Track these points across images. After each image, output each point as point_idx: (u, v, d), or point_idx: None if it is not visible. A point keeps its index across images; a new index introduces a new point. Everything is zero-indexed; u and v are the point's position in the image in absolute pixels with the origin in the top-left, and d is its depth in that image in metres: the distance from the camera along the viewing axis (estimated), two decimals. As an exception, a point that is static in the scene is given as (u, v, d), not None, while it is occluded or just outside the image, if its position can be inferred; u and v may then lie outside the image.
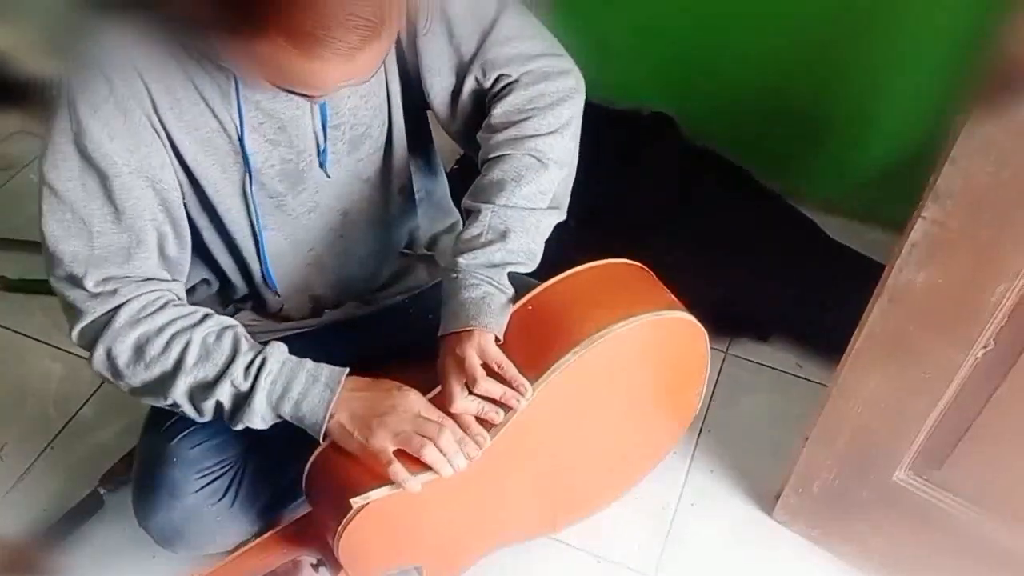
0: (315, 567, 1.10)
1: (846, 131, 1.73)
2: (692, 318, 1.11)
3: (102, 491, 1.38)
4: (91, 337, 0.96)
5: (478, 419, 0.98)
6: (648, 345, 1.10)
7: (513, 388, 0.98)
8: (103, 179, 0.92)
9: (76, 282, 0.94)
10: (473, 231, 1.01)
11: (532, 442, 1.06)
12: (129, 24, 0.89)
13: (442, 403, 0.99)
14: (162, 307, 0.97)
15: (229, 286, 1.15)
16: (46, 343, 1.62)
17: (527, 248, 1.02)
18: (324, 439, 0.98)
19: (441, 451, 0.95)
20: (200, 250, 1.07)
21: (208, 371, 0.96)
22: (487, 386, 0.97)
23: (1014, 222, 0.86)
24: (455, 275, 1.00)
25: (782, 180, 1.82)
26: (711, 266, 1.64)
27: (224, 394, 0.96)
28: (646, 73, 1.87)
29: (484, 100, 1.07)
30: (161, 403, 0.99)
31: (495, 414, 0.98)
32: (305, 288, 1.17)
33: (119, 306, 0.95)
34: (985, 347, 0.96)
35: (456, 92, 1.06)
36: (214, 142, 0.97)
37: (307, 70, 0.79)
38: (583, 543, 1.35)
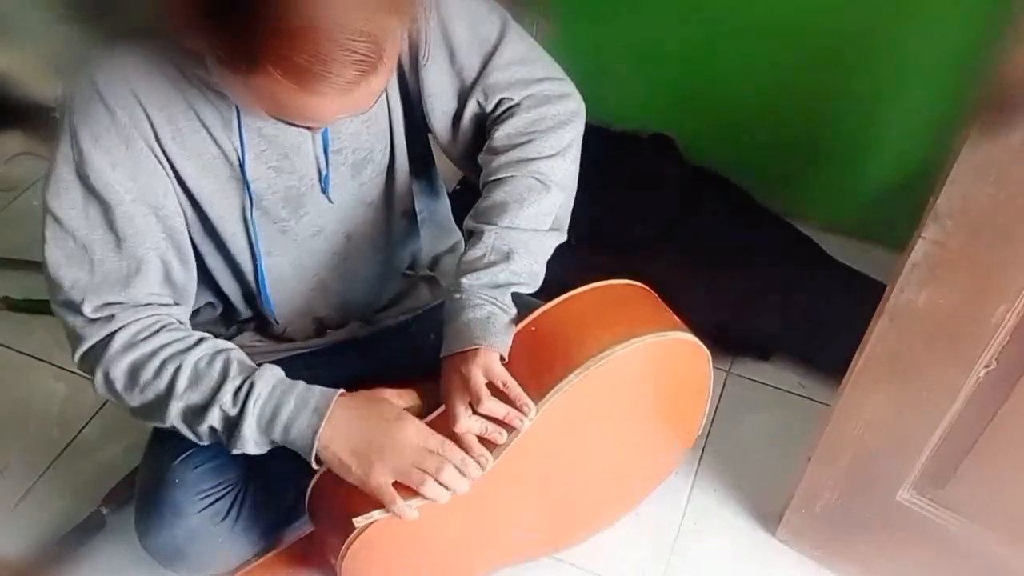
0: (318, 588, 1.10)
1: (846, 151, 1.74)
2: (694, 338, 1.11)
3: (104, 511, 1.38)
4: (91, 362, 0.97)
5: (481, 439, 0.98)
6: (651, 365, 1.10)
7: (517, 408, 0.98)
8: (105, 208, 0.92)
9: (75, 308, 0.94)
10: (476, 252, 1.01)
11: (534, 462, 1.06)
12: (129, 53, 0.90)
13: (445, 423, 0.99)
14: (157, 331, 0.97)
15: (232, 308, 1.15)
16: (49, 363, 1.62)
17: (530, 269, 1.02)
18: (317, 463, 0.97)
19: (442, 485, 0.95)
20: (204, 274, 1.07)
21: (199, 396, 0.95)
22: (491, 406, 0.97)
23: (1014, 242, 0.86)
24: (458, 295, 1.01)
25: (783, 200, 1.82)
26: (713, 286, 1.64)
27: (215, 419, 0.95)
28: (646, 95, 1.88)
29: (485, 123, 1.08)
30: (163, 426, 0.99)
31: (498, 434, 0.98)
32: (308, 310, 1.17)
33: (116, 331, 0.95)
34: (987, 367, 0.96)
35: (457, 116, 1.07)
36: (216, 168, 0.98)
37: (305, 104, 0.79)
38: (586, 563, 1.35)
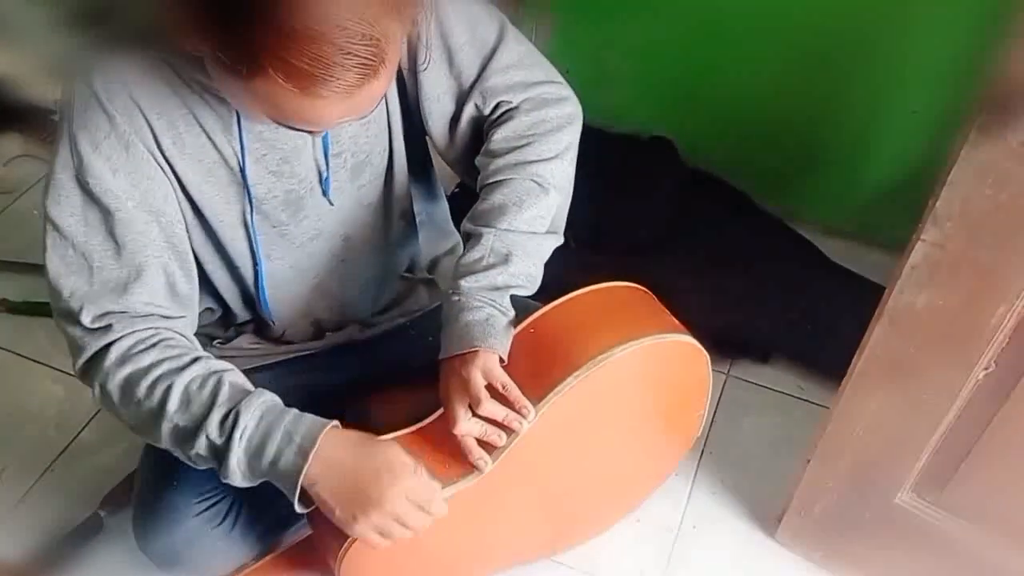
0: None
1: (845, 153, 1.74)
2: (693, 340, 1.11)
3: (102, 514, 1.37)
4: (90, 374, 0.96)
5: (480, 442, 0.98)
6: (650, 367, 1.10)
7: (516, 410, 0.97)
8: (105, 214, 0.92)
9: (74, 317, 0.93)
10: (475, 254, 1.01)
11: (533, 465, 1.05)
12: (128, 59, 0.90)
13: (443, 425, 0.99)
14: (153, 345, 0.95)
15: (230, 312, 1.15)
16: (47, 365, 1.62)
17: (528, 272, 1.02)
18: (301, 503, 0.94)
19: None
20: (203, 279, 1.07)
21: (187, 420, 0.93)
22: (491, 408, 0.97)
23: (1013, 244, 0.86)
24: (457, 297, 1.01)
25: (782, 202, 1.82)
26: (712, 288, 1.64)
27: (202, 447, 0.92)
28: (645, 97, 1.88)
29: (482, 127, 1.08)
30: (159, 446, 0.96)
31: (498, 437, 0.98)
32: (307, 313, 1.17)
33: (112, 343, 0.94)
34: (986, 369, 0.96)
35: (455, 119, 1.07)
36: (216, 173, 0.98)
37: (306, 107, 0.79)
38: (584, 566, 1.34)
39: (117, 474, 1.42)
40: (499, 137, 1.04)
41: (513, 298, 1.02)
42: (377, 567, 1.05)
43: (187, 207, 0.99)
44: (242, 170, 0.98)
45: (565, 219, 1.09)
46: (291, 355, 1.20)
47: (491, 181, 1.04)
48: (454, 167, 1.14)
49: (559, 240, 1.07)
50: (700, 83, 1.81)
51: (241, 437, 0.91)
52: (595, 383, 1.01)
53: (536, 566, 1.32)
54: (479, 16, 1.04)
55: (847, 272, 1.72)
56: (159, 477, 1.12)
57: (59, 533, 1.37)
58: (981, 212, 0.85)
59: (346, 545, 0.97)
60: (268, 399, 0.94)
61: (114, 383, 0.94)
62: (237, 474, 0.93)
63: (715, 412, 1.54)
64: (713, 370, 1.19)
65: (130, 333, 0.94)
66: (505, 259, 1.01)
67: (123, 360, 0.94)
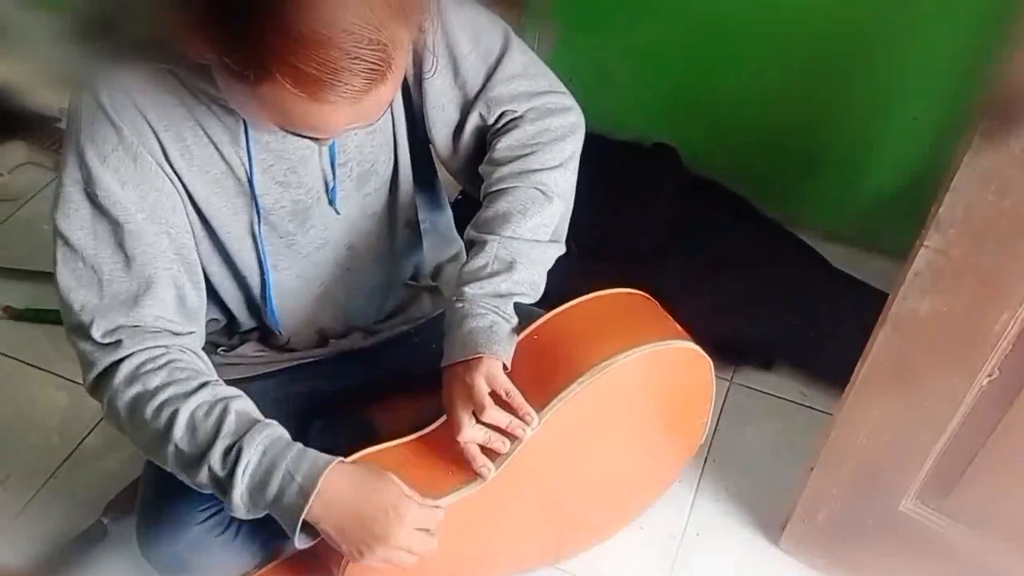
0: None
1: (847, 159, 1.74)
2: (697, 347, 1.11)
3: (105, 520, 1.37)
4: (100, 389, 0.95)
5: (483, 449, 0.98)
6: (653, 374, 1.10)
7: (520, 417, 0.97)
8: (115, 227, 0.92)
9: (85, 332, 0.93)
10: (479, 262, 1.01)
11: (536, 471, 1.05)
12: (133, 71, 0.90)
13: (447, 432, 0.99)
14: (162, 366, 0.94)
15: (235, 321, 1.15)
16: (51, 372, 1.62)
17: (531, 280, 1.02)
18: (302, 535, 0.93)
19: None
20: (210, 290, 1.06)
21: (192, 449, 0.92)
22: (494, 415, 0.96)
23: (1017, 250, 0.86)
24: (460, 304, 1.01)
25: (783, 208, 1.82)
26: (715, 295, 1.64)
27: (205, 477, 0.92)
28: (647, 104, 1.88)
29: (486, 136, 1.08)
30: (166, 468, 0.96)
31: (501, 444, 0.98)
32: (312, 321, 1.17)
33: (122, 359, 0.93)
34: (990, 375, 0.96)
35: (459, 128, 1.07)
36: (223, 184, 0.98)
37: (313, 113, 0.79)
38: (588, 573, 1.34)
39: (121, 481, 1.42)
40: (503, 146, 1.04)
41: (516, 305, 1.03)
42: (380, 574, 1.04)
43: (195, 218, 0.99)
44: (250, 181, 0.98)
45: (567, 228, 1.09)
46: (295, 362, 1.20)
47: (495, 189, 1.04)
48: (456, 176, 1.14)
49: (561, 249, 1.07)
50: (701, 90, 1.81)
51: (244, 473, 0.90)
52: (598, 390, 1.01)
53: (540, 573, 1.32)
54: (484, 26, 1.04)
55: (849, 278, 1.71)
56: (163, 484, 1.12)
57: (62, 540, 1.37)
58: (984, 218, 0.86)
59: (349, 552, 0.97)
60: (272, 432, 0.93)
61: (122, 402, 0.94)
62: (241, 509, 0.92)
63: (718, 419, 1.54)
64: (716, 377, 1.19)
65: (140, 351, 0.93)
66: (509, 267, 1.01)
67: (131, 379, 0.93)
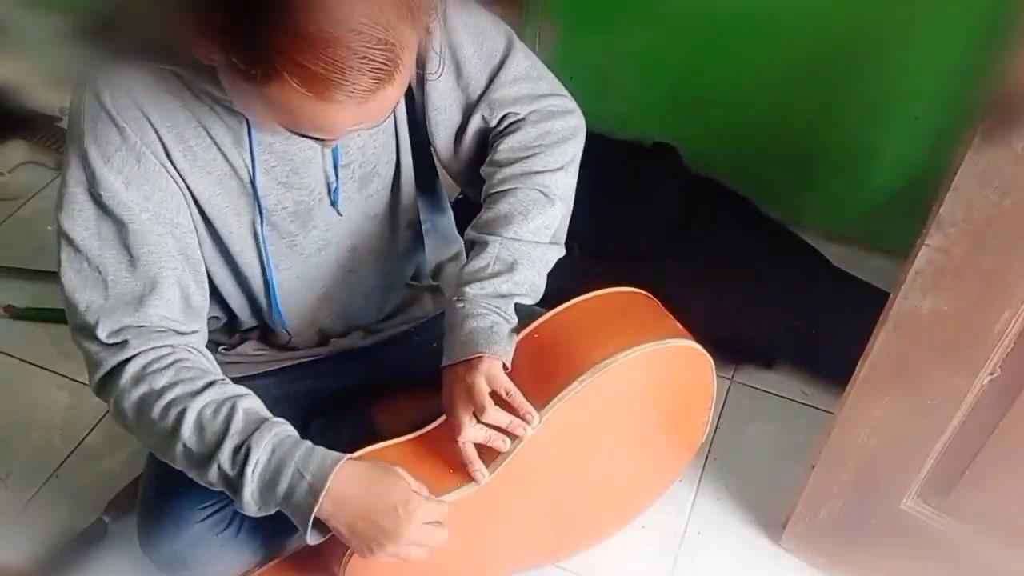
0: (320, 596, 1.10)
1: (848, 159, 1.74)
2: (698, 346, 1.11)
3: (107, 519, 1.38)
4: (106, 389, 0.95)
5: (484, 448, 0.98)
6: (654, 373, 1.10)
7: (520, 416, 0.98)
8: (119, 227, 0.92)
9: (90, 332, 0.93)
10: (480, 262, 1.02)
11: (537, 470, 1.05)
12: (135, 71, 0.90)
13: (447, 431, 1.00)
14: (169, 365, 0.94)
15: (236, 320, 1.15)
16: (52, 371, 1.62)
17: (532, 281, 1.03)
18: (313, 532, 0.93)
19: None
20: (212, 289, 1.07)
21: (201, 448, 0.92)
22: (495, 415, 0.97)
23: (1018, 249, 0.86)
24: (461, 304, 1.01)
25: (784, 208, 1.83)
26: (716, 294, 1.64)
27: (214, 476, 0.92)
28: (648, 104, 1.88)
29: (487, 138, 1.08)
30: (175, 467, 0.96)
31: (502, 443, 0.98)
32: (313, 321, 1.17)
33: (128, 359, 0.93)
34: (991, 374, 0.96)
35: (461, 130, 1.07)
36: (226, 184, 0.98)
37: (320, 113, 0.79)
38: (589, 572, 1.34)
39: (121, 479, 1.42)
40: (505, 147, 1.05)
41: (516, 306, 1.03)
42: (380, 572, 1.05)
43: (198, 218, 0.99)
44: (252, 182, 0.98)
45: (566, 231, 1.09)
46: (295, 361, 1.20)
47: (497, 190, 1.04)
48: (456, 178, 1.14)
49: (561, 251, 1.07)
50: (702, 90, 1.81)
51: (253, 472, 0.90)
52: (599, 388, 1.01)
53: (540, 572, 1.32)
54: (487, 29, 1.04)
55: (850, 277, 1.72)
56: (164, 483, 1.12)
57: (63, 539, 1.37)
58: (985, 217, 0.86)
59: (350, 551, 0.97)
60: (280, 431, 0.93)
61: (129, 402, 0.94)
62: (252, 507, 0.92)
63: (719, 418, 1.54)
64: (717, 375, 1.19)
65: (146, 350, 0.93)
66: (511, 267, 1.01)
67: (138, 379, 0.93)
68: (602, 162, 1.23)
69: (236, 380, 1.01)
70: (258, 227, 1.02)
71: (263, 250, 1.04)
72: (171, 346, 0.95)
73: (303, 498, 0.91)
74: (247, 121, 0.94)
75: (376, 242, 1.13)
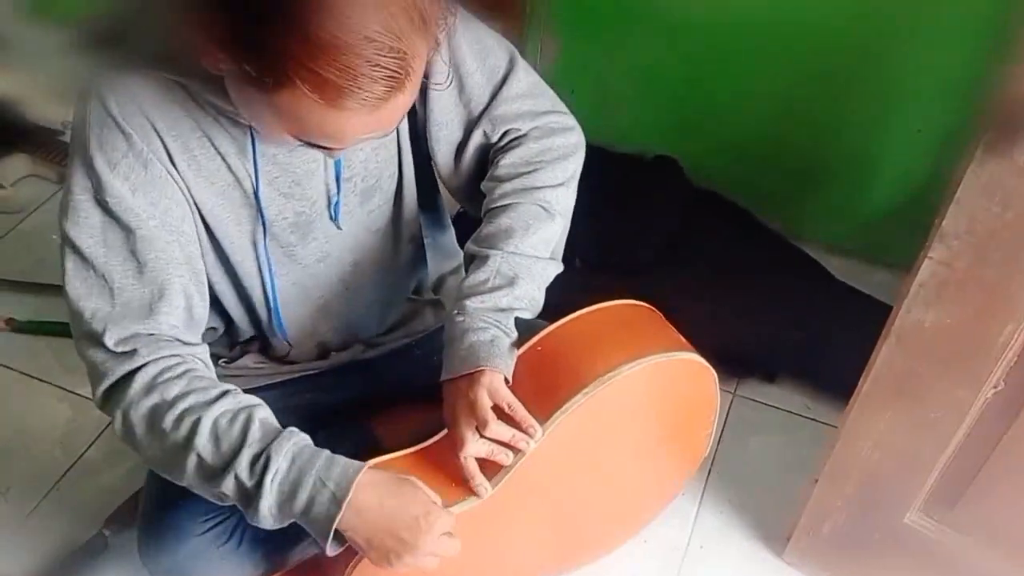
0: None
1: (849, 171, 1.75)
2: (701, 359, 1.11)
3: (107, 533, 1.37)
4: (112, 402, 0.94)
5: (486, 461, 0.98)
6: (657, 386, 1.10)
7: (523, 430, 0.97)
8: (127, 233, 0.91)
9: (97, 340, 0.91)
10: (480, 276, 1.01)
11: (540, 484, 1.05)
12: (140, 80, 0.90)
13: (449, 445, 0.99)
14: (180, 375, 0.93)
15: (235, 331, 1.15)
16: (53, 384, 1.62)
17: (532, 295, 1.03)
18: (329, 546, 0.92)
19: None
20: (212, 299, 1.07)
21: (216, 458, 0.90)
22: (497, 429, 0.96)
23: (1021, 262, 0.86)
24: (461, 318, 1.00)
25: (786, 221, 1.83)
26: (718, 307, 1.64)
27: (230, 487, 0.90)
28: (649, 117, 1.89)
29: (487, 154, 1.08)
30: (180, 483, 0.94)
31: (505, 456, 0.98)
32: (312, 333, 1.17)
33: (137, 369, 0.92)
34: (995, 387, 0.96)
35: (462, 145, 1.07)
36: (229, 195, 0.98)
37: (330, 121, 0.79)
38: (591, 586, 1.34)
39: (122, 493, 1.41)
40: (506, 163, 1.05)
41: (517, 319, 1.02)
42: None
43: (201, 228, 0.99)
44: (255, 192, 0.98)
45: (563, 247, 1.10)
46: (295, 374, 1.20)
47: (497, 205, 1.04)
48: (455, 194, 1.14)
49: (559, 268, 1.07)
50: (703, 102, 1.82)
51: (273, 481, 0.89)
52: (602, 402, 1.01)
53: (542, 586, 1.32)
54: (490, 45, 1.04)
55: (852, 290, 1.71)
56: (164, 496, 1.12)
57: (63, 553, 1.37)
58: (988, 230, 0.86)
59: (353, 562, 0.97)
60: (299, 440, 0.92)
61: (138, 413, 0.92)
62: (268, 519, 0.91)
63: (722, 431, 1.54)
64: (720, 389, 1.19)
65: (157, 359, 0.92)
66: (511, 281, 1.01)
67: (149, 389, 0.92)
68: (603, 175, 1.23)
69: (237, 394, 1.01)
70: (259, 237, 1.02)
71: (263, 260, 1.04)
72: (180, 356, 0.94)
73: (324, 508, 0.89)
74: (251, 132, 0.94)
75: (378, 256, 1.13)
